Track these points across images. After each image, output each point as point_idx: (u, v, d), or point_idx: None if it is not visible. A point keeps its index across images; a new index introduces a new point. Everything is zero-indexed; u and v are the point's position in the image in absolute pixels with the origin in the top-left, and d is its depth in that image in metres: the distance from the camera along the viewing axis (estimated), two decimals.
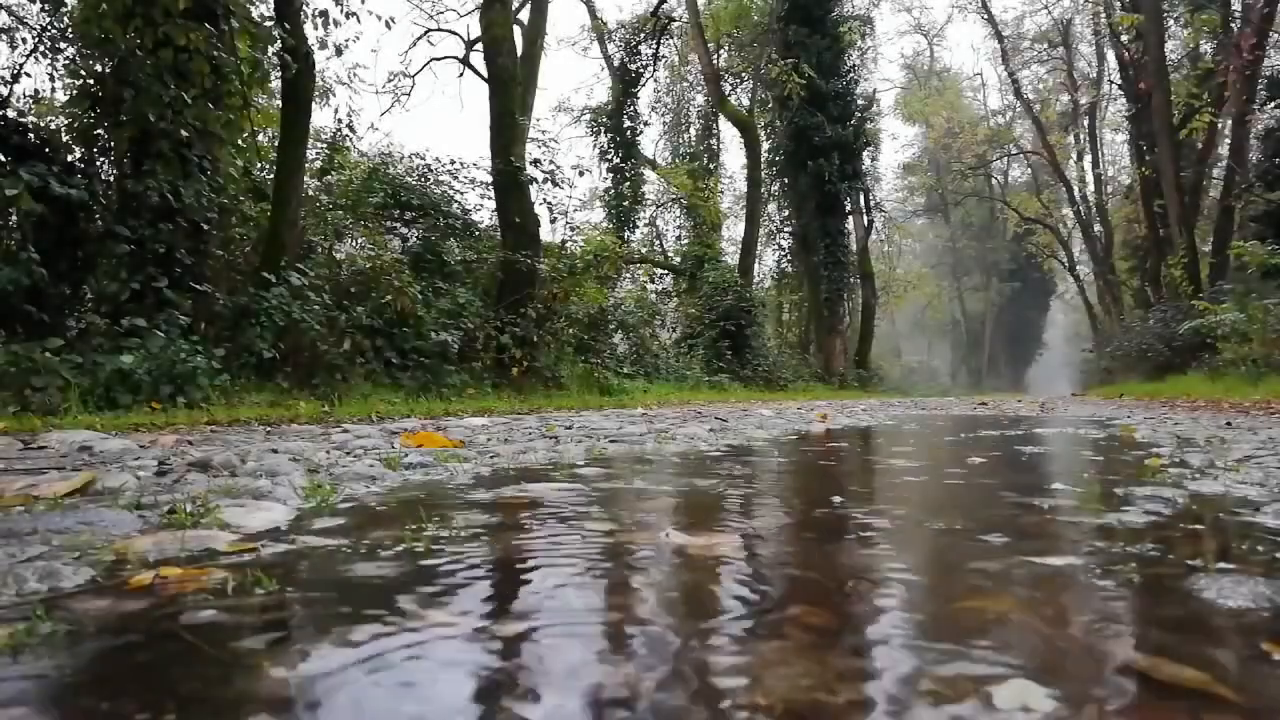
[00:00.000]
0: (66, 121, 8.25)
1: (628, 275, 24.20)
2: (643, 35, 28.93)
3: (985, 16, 36.04)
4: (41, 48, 8.64)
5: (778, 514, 1.94)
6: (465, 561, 1.36)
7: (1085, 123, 36.04)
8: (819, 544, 1.57)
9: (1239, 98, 20.73)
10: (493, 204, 13.71)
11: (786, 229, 31.74)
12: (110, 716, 0.75)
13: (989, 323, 56.23)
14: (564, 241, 15.92)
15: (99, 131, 8.07)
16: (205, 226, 8.08)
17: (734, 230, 33.19)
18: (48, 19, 8.70)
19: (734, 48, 29.08)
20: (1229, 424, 5.70)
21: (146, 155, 7.59)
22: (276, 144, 10.59)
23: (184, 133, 7.70)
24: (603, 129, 28.39)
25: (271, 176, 10.30)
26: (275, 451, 3.16)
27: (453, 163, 14.74)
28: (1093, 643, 0.94)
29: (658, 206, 30.94)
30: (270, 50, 9.21)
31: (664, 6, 28.41)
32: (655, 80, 30.99)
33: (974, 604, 1.11)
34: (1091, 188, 37.02)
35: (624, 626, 1.01)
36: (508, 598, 1.15)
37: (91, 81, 7.90)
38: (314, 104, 10.58)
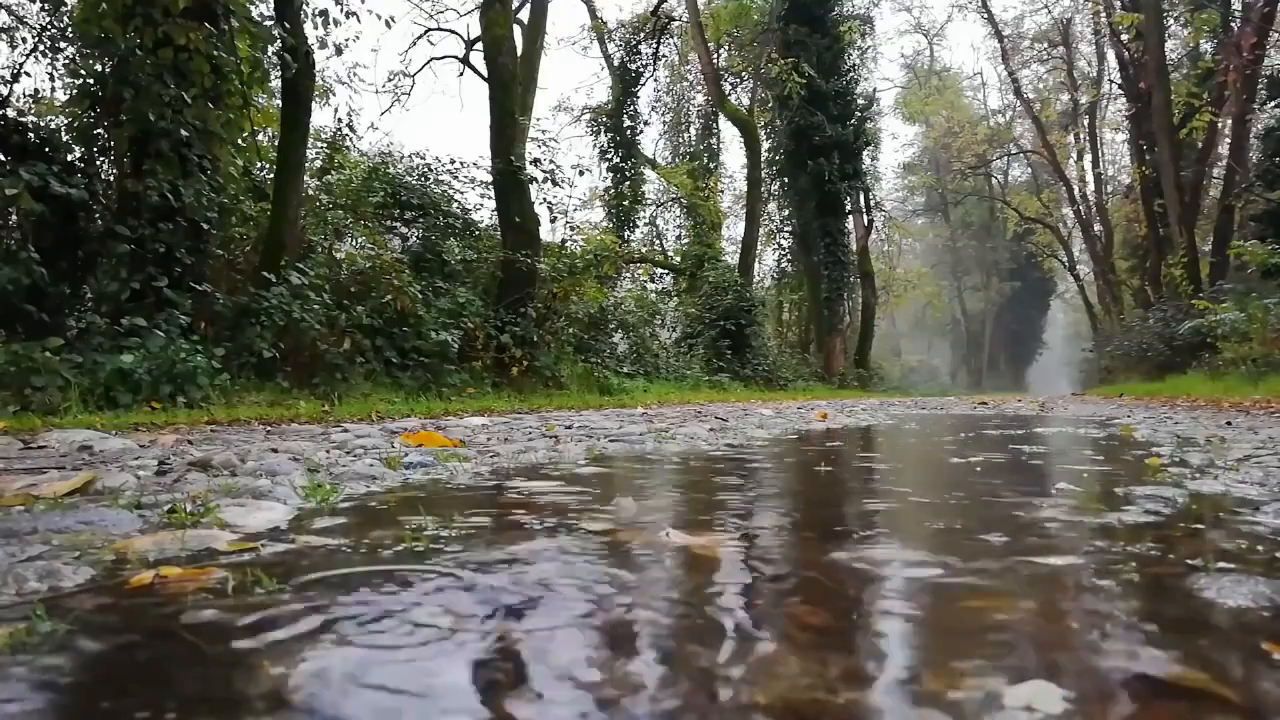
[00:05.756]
0: (66, 121, 8.24)
1: (628, 275, 24.17)
2: (643, 35, 28.92)
3: (985, 16, 36.03)
4: (41, 47, 8.64)
5: (778, 513, 1.94)
6: (466, 561, 1.35)
7: (1085, 122, 36.03)
8: (819, 543, 1.57)
9: (1239, 97, 20.73)
10: (493, 203, 13.71)
11: (786, 228, 31.73)
12: (110, 716, 0.75)
13: (989, 322, 56.20)
14: (564, 241, 15.92)
15: (99, 131, 8.06)
16: (205, 226, 8.07)
17: (734, 230, 33.22)
18: (48, 18, 8.70)
19: (734, 47, 29.06)
20: (1229, 423, 5.70)
21: (146, 155, 7.58)
22: (276, 144, 10.58)
23: (184, 133, 7.69)
24: (603, 128, 28.38)
25: (271, 176, 10.30)
26: (275, 451, 3.16)
27: (453, 162, 14.73)
28: (1093, 642, 0.94)
29: (658, 206, 30.95)
30: (270, 50, 9.20)
31: (664, 6, 28.40)
32: (655, 80, 31.03)
33: (974, 603, 1.11)
34: (1091, 187, 37.06)
35: (624, 626, 1.01)
36: (508, 597, 1.15)
37: (91, 81, 7.89)
38: (314, 104, 10.57)
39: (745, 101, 29.63)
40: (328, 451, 3.29)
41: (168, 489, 2.11)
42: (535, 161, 13.79)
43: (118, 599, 1.11)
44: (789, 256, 32.23)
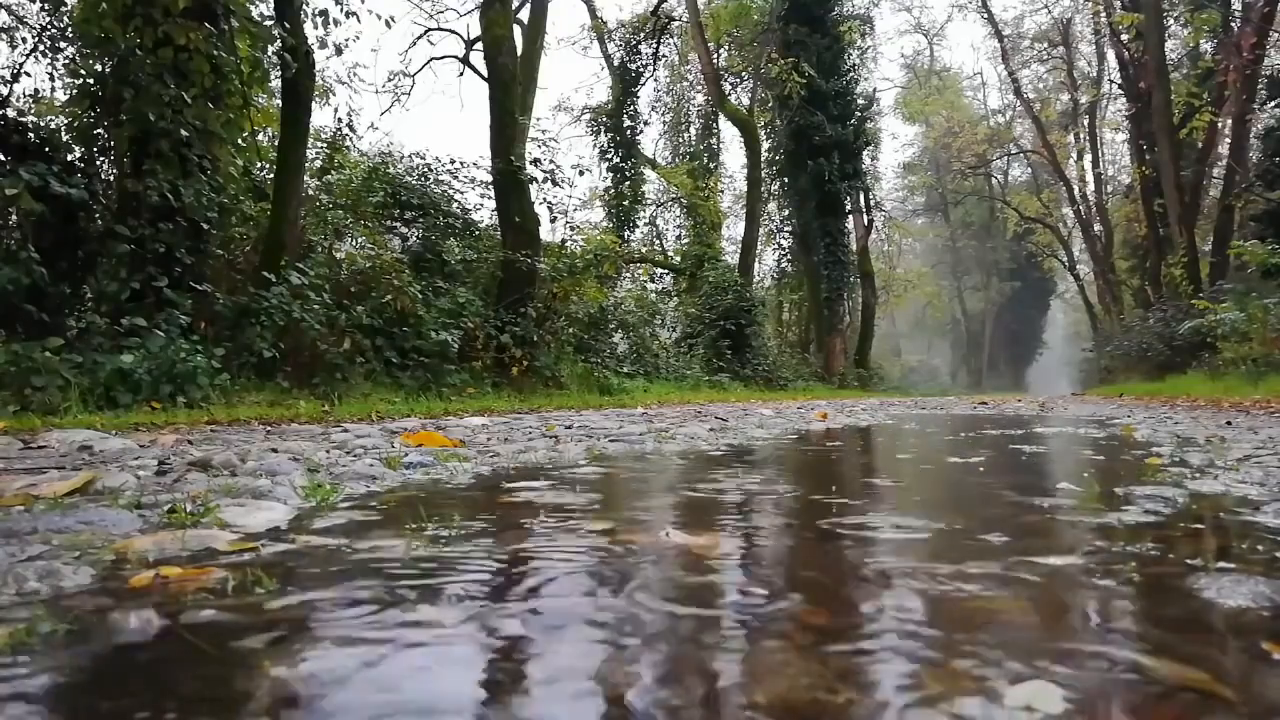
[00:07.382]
0: (66, 121, 8.23)
1: (628, 275, 24.19)
2: (643, 35, 28.93)
3: (985, 16, 36.01)
4: (41, 47, 8.63)
5: (777, 513, 1.94)
6: (465, 561, 1.35)
7: (1085, 122, 36.03)
8: (819, 543, 1.57)
9: (1239, 97, 20.74)
10: (493, 203, 13.71)
11: (786, 228, 31.75)
12: (110, 716, 0.75)
13: (989, 322, 56.19)
14: (564, 241, 15.92)
15: (99, 131, 8.06)
16: (205, 226, 8.07)
17: (734, 230, 33.24)
18: (48, 18, 8.69)
19: (734, 47, 29.08)
20: (1229, 423, 5.70)
21: (146, 155, 7.58)
22: (276, 144, 10.58)
23: (184, 132, 7.69)
24: (603, 128, 28.40)
25: (271, 176, 10.29)
26: (275, 451, 3.16)
27: (453, 162, 14.74)
28: (1093, 642, 0.94)
29: (658, 206, 30.96)
30: (270, 50, 9.20)
31: (664, 6, 28.40)
32: (655, 80, 31.06)
33: (974, 603, 1.11)
34: (1091, 187, 37.06)
35: (623, 626, 1.01)
36: (507, 597, 1.15)
37: (91, 81, 7.89)
38: (314, 103, 10.57)
39: (745, 101, 29.64)
40: (328, 451, 3.29)
41: (168, 489, 2.11)
42: (535, 161, 13.80)
43: (118, 599, 1.11)
44: (789, 256, 32.25)
